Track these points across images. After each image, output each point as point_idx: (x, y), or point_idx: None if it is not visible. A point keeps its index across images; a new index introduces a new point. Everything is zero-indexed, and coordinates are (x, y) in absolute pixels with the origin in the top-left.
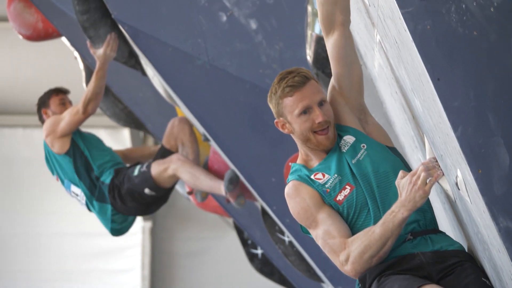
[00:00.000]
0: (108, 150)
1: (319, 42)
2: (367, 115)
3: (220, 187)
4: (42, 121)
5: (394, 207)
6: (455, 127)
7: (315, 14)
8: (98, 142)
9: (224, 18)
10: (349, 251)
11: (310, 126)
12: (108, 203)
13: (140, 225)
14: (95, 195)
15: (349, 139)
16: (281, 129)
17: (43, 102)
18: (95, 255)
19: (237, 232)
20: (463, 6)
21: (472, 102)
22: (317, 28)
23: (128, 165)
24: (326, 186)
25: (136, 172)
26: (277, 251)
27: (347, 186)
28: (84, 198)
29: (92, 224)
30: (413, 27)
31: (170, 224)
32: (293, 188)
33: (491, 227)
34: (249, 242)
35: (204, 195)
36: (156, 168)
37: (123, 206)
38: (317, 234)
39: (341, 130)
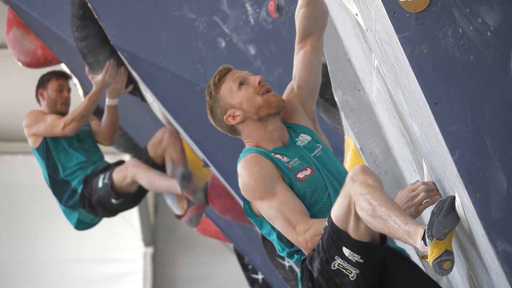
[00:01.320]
0: (81, 149)
1: None
2: (316, 123)
3: (176, 186)
4: (38, 100)
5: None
6: (452, 151)
7: None
8: (70, 140)
9: (223, 44)
10: (311, 225)
11: (253, 91)
12: (76, 211)
13: (141, 251)
14: (63, 200)
15: (306, 136)
16: (233, 122)
17: (41, 82)
18: (96, 281)
19: (238, 257)
20: (460, 30)
21: (469, 126)
22: None
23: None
24: (287, 164)
25: (100, 184)
26: (278, 276)
27: (308, 168)
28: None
29: (93, 250)
30: (410, 51)
31: (172, 250)
32: (252, 159)
33: (489, 250)
34: (250, 267)
35: (197, 221)
36: (116, 178)
37: (96, 213)
38: (271, 205)
39: (297, 128)
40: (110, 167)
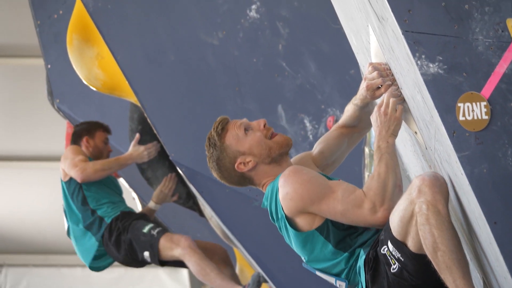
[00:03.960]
0: (111, 188)
1: None
2: None
3: None
4: (75, 143)
5: (377, 143)
6: None
7: (372, 156)
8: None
9: None
10: (370, 197)
11: (260, 135)
12: (94, 237)
13: None
14: (84, 222)
15: None
16: (245, 169)
17: (88, 130)
18: None
19: None
20: None
21: None
22: None
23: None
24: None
25: (146, 229)
26: None
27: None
28: (69, 223)
29: None
30: (470, 170)
31: None
32: (294, 168)
33: None
34: None
35: None
36: (164, 242)
37: (114, 250)
38: (336, 198)
39: None
40: (159, 224)
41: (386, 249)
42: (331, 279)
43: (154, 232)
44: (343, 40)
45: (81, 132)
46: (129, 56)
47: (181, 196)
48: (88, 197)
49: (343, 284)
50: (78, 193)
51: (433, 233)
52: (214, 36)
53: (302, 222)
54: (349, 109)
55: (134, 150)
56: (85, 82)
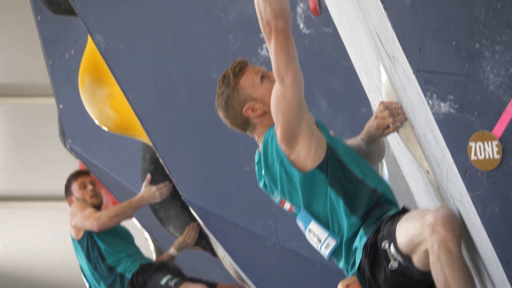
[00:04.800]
0: (124, 239)
1: None
2: None
3: None
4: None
5: None
6: None
7: None
8: (115, 230)
9: None
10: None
11: None
12: None
13: None
14: (107, 282)
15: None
16: (253, 115)
17: (66, 191)
18: None
19: None
20: None
21: None
22: None
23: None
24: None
25: (163, 281)
26: None
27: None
28: (90, 283)
29: None
30: (482, 210)
31: None
32: None
33: None
34: None
35: None
36: None
37: None
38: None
39: None
40: (179, 272)
41: (387, 247)
42: (323, 234)
43: (172, 283)
44: (354, 78)
45: (66, 198)
46: (141, 95)
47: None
48: (104, 251)
49: (333, 243)
50: (93, 248)
51: (444, 271)
52: None
53: (298, 162)
54: (357, 141)
55: (146, 191)
56: (97, 122)
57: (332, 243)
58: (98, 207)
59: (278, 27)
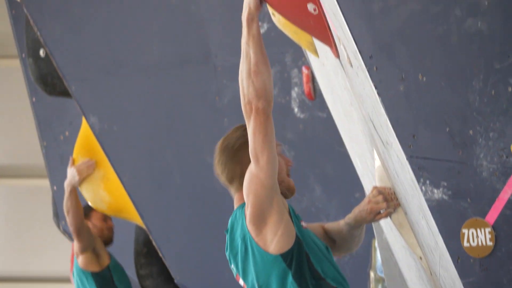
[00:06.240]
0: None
1: None
2: None
3: None
4: None
5: None
6: None
7: (378, 281)
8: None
9: None
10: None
11: (284, 166)
12: None
13: None
14: None
15: None
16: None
17: (84, 214)
18: None
19: None
20: None
21: None
22: None
23: None
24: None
25: None
26: None
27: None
28: None
29: None
30: None
31: None
32: None
33: None
34: None
35: None
36: None
37: None
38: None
39: None
40: None
41: None
42: None
43: None
44: (348, 163)
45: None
46: (135, 178)
47: None
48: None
49: None
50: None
51: None
52: None
53: (261, 240)
54: (338, 225)
55: (68, 173)
56: (90, 204)
57: None
58: (109, 241)
59: (259, 107)
